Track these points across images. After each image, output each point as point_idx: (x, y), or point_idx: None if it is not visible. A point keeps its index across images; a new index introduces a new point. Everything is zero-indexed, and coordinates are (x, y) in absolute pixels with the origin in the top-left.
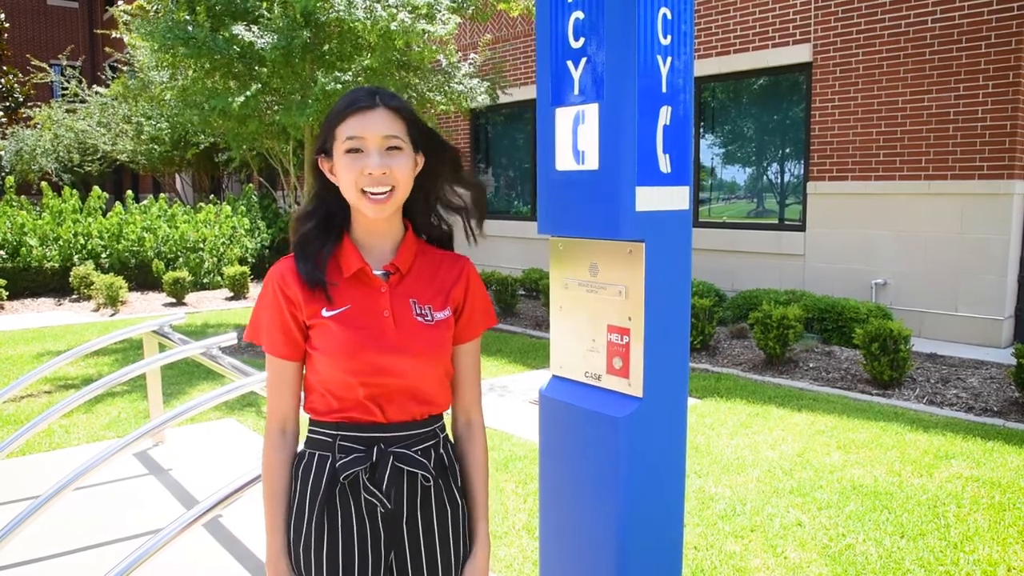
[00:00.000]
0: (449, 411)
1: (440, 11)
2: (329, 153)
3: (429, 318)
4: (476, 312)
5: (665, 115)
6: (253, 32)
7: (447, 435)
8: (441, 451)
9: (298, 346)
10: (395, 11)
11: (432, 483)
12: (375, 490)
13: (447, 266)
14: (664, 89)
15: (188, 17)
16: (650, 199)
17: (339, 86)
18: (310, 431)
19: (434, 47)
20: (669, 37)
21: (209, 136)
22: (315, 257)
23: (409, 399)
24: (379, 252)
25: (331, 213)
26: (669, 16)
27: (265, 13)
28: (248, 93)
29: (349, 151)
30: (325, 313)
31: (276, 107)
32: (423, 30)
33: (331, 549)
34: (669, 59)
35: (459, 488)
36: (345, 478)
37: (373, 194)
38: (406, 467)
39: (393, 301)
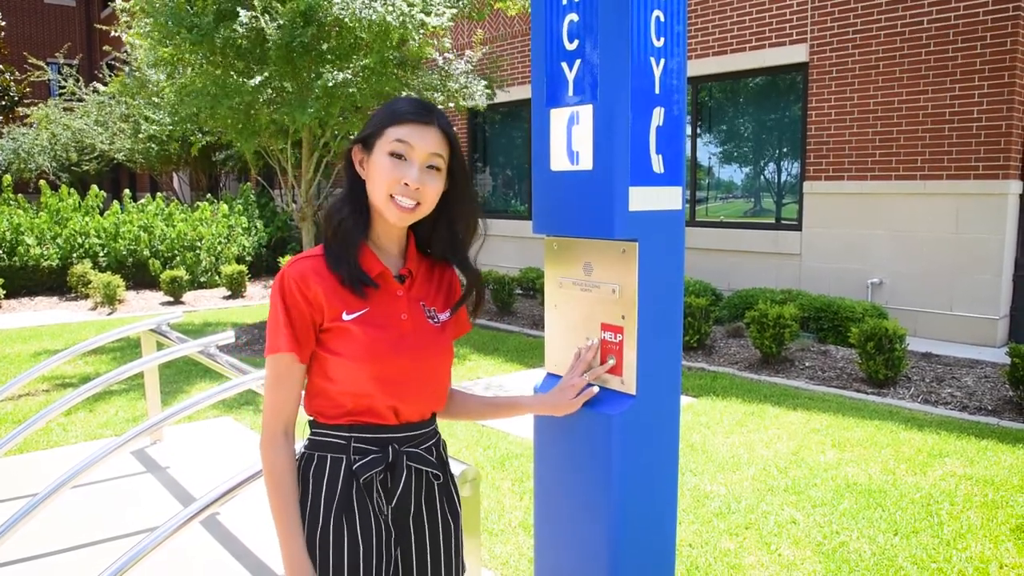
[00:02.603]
0: None
1: (435, 5)
2: (369, 147)
3: (436, 320)
4: (462, 315)
5: (658, 116)
6: (263, 19)
7: (439, 435)
8: (440, 449)
9: (310, 348)
10: (391, 5)
11: (440, 479)
12: (392, 490)
13: (440, 269)
14: (657, 90)
15: (189, 8)
16: (643, 199)
17: (339, 80)
18: (317, 433)
19: (431, 41)
20: (662, 39)
21: (208, 135)
22: (352, 255)
23: (424, 400)
24: (390, 255)
25: (361, 208)
26: (662, 18)
27: (270, 9)
28: (262, 77)
29: (393, 154)
30: (346, 316)
31: (279, 104)
32: (420, 22)
33: (352, 548)
34: (662, 61)
35: (454, 482)
36: (363, 480)
37: (401, 203)
38: (419, 466)
39: (409, 304)
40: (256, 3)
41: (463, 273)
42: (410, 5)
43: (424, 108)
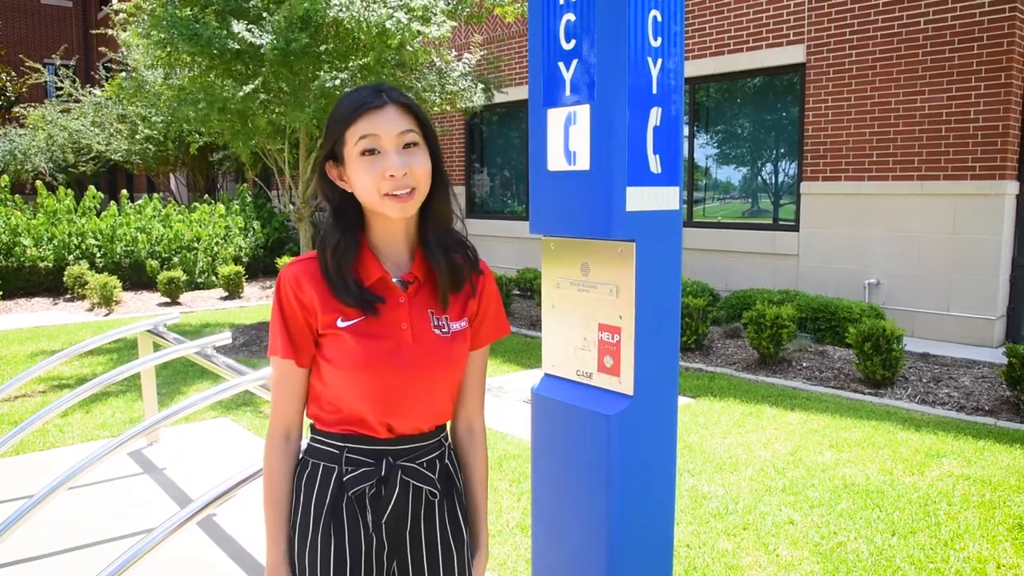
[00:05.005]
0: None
1: (435, 14)
2: (339, 158)
3: (446, 330)
4: (487, 321)
5: (655, 116)
6: (253, 32)
7: (450, 443)
8: (446, 461)
9: (309, 353)
10: (391, 11)
11: (438, 496)
12: (382, 504)
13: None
14: (654, 90)
15: (190, 13)
16: (640, 199)
17: (337, 82)
18: (313, 440)
19: (429, 48)
20: (659, 39)
21: (205, 136)
22: (349, 275)
23: (420, 413)
24: (396, 258)
25: (349, 222)
26: (659, 18)
27: (265, 15)
28: (249, 88)
29: (364, 152)
30: (340, 323)
31: (275, 106)
32: (417, 31)
33: (338, 560)
34: (659, 61)
35: (461, 498)
36: (353, 493)
37: (395, 195)
38: (414, 481)
39: (412, 312)
40: (251, 11)
41: (450, 245)
42: (408, 11)
43: (372, 93)
